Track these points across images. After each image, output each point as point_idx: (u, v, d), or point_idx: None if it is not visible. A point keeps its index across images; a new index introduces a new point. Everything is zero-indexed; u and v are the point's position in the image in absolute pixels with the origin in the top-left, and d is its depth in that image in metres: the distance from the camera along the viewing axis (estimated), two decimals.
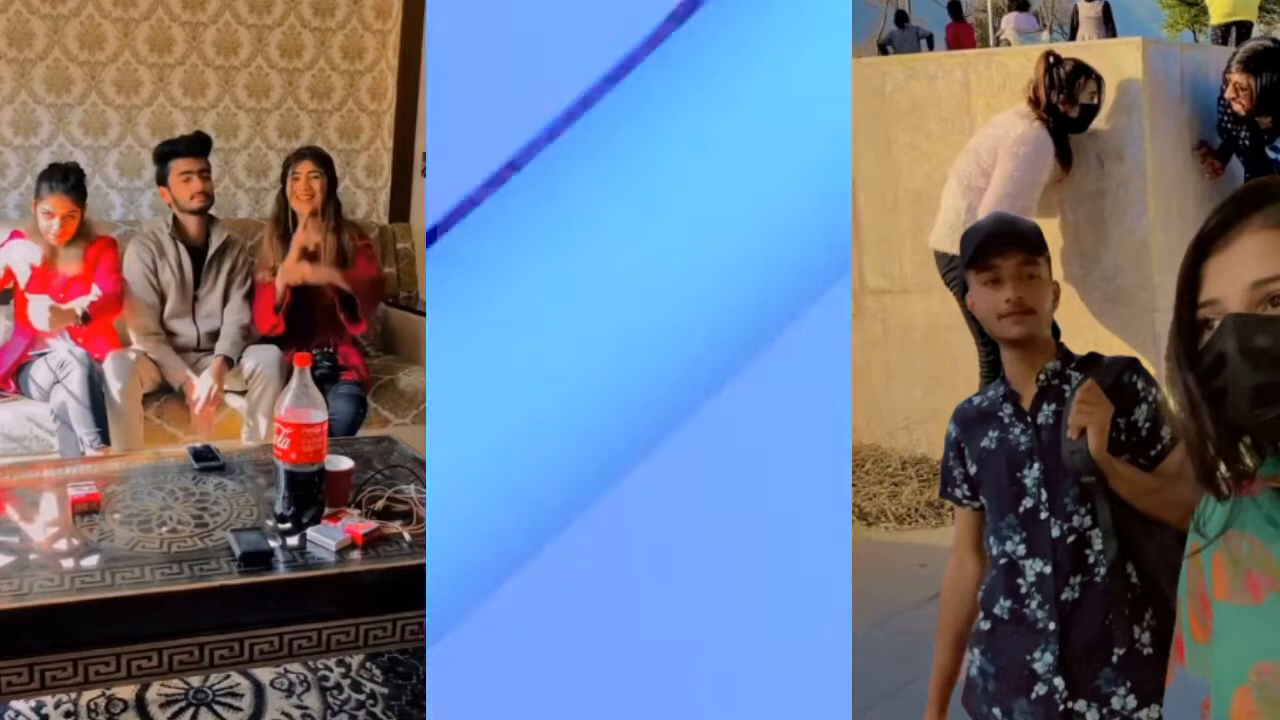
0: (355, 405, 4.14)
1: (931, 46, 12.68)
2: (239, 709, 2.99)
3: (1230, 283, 1.10)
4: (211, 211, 4.29)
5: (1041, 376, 1.80)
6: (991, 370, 3.87)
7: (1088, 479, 1.70)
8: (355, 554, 2.57)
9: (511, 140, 1.65)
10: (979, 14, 17.83)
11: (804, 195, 1.60)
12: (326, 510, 2.71)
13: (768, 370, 1.67)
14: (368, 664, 3.20)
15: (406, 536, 2.66)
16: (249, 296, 4.29)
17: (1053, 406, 1.78)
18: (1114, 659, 1.73)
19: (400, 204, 5.42)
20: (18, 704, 2.84)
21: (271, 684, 3.09)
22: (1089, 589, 1.75)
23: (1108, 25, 10.03)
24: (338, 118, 5.31)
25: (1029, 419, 1.80)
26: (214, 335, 4.24)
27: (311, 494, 2.66)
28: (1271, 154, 4.21)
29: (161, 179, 4.17)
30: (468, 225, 1.66)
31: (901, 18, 13.84)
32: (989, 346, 3.74)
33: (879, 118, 4.57)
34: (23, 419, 4.01)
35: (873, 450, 4.55)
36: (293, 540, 2.60)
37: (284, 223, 4.24)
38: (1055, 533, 1.76)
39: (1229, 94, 4.17)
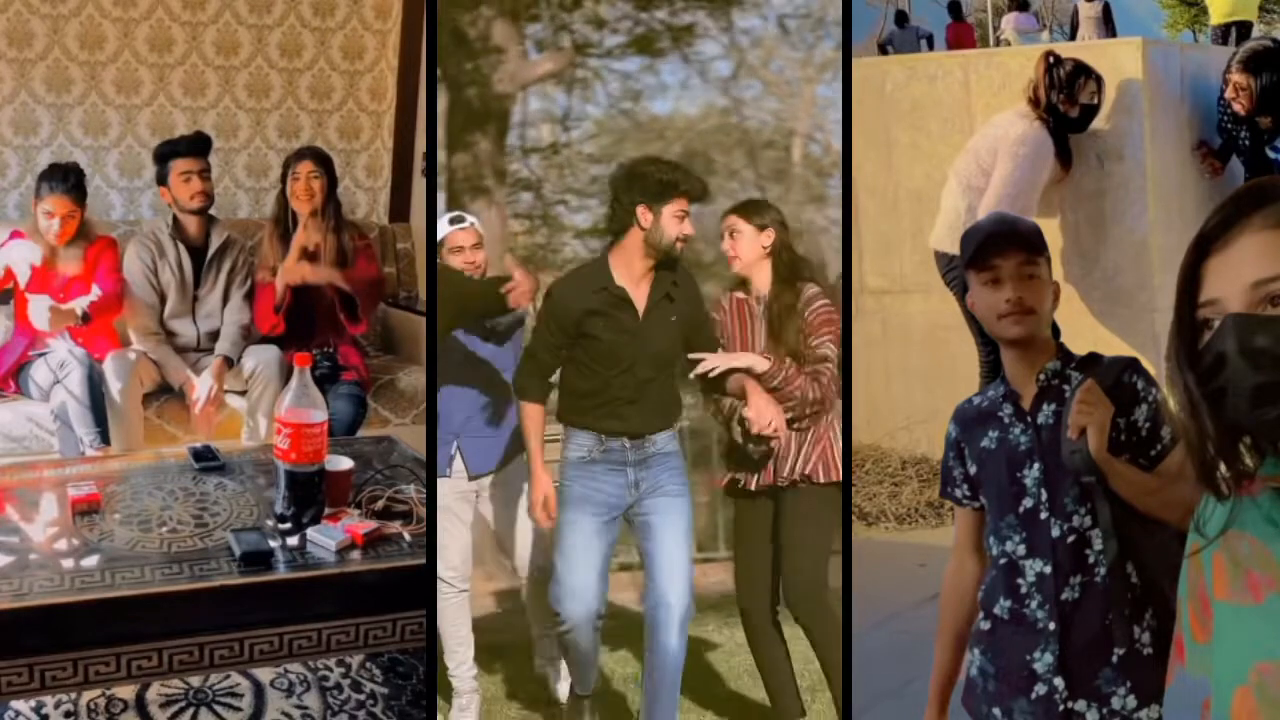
0: (355, 405, 4.14)
1: (931, 46, 12.66)
2: (239, 709, 2.99)
3: (1230, 283, 1.10)
4: (211, 211, 4.29)
5: (1041, 376, 1.80)
6: (991, 370, 3.87)
7: (1088, 479, 1.70)
8: (355, 554, 2.57)
9: None
10: (979, 14, 17.81)
11: None
12: (326, 510, 2.71)
13: None
14: (368, 664, 3.20)
15: (406, 536, 2.66)
16: (249, 296, 4.29)
17: (1053, 406, 1.78)
18: (1114, 659, 1.73)
19: (400, 204, 5.42)
20: (18, 704, 2.84)
21: (271, 684, 3.09)
22: (1089, 589, 1.75)
23: (1108, 25, 10.02)
24: (338, 118, 5.31)
25: (1029, 419, 1.80)
26: (214, 335, 4.24)
27: (311, 494, 2.66)
28: (1271, 154, 4.21)
29: (161, 179, 4.17)
30: None
31: (901, 18, 13.81)
32: (989, 346, 3.74)
33: (879, 118, 4.57)
34: (23, 419, 4.01)
35: (873, 450, 4.55)
36: (293, 540, 2.60)
37: (284, 223, 4.23)
38: (1055, 533, 1.76)
39: (1229, 94, 4.17)
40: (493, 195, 5.94)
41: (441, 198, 5.78)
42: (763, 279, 3.20)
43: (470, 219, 3.62)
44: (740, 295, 3.24)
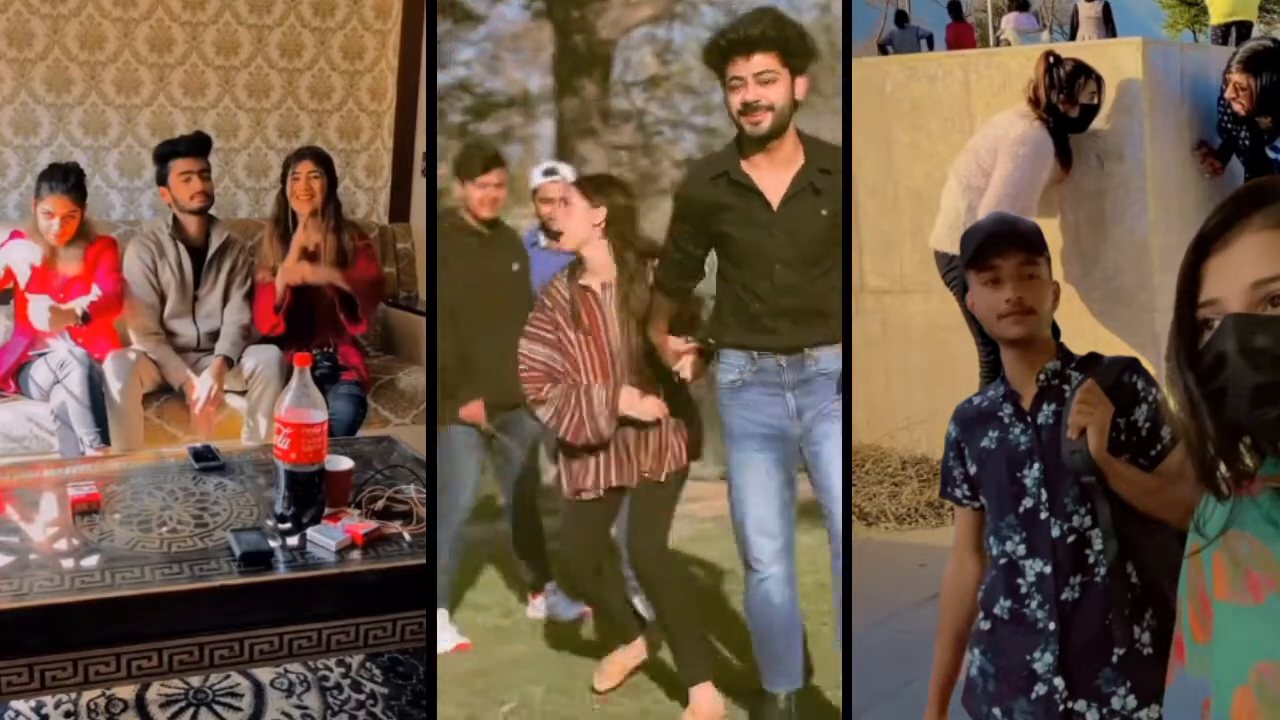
0: (355, 405, 4.14)
1: (931, 46, 12.66)
2: (239, 709, 2.99)
3: (1230, 283, 1.10)
4: (211, 211, 4.29)
5: (1041, 376, 1.80)
6: (991, 370, 3.87)
7: (1088, 479, 1.70)
8: (355, 554, 2.57)
9: None
10: (979, 14, 17.81)
11: None
12: (326, 510, 2.71)
13: None
14: (368, 664, 3.20)
15: (406, 536, 2.66)
16: (249, 296, 4.29)
17: (1053, 406, 1.78)
18: (1114, 659, 1.73)
19: (400, 204, 5.42)
20: (18, 704, 2.84)
21: (271, 684, 3.09)
22: (1089, 589, 1.75)
23: (1108, 25, 10.02)
24: (338, 118, 5.31)
25: (1029, 419, 1.80)
26: (214, 335, 4.24)
27: (311, 494, 2.66)
28: (1271, 154, 4.20)
29: (161, 179, 4.18)
30: None
31: (901, 18, 13.82)
32: (989, 346, 3.74)
33: (879, 118, 4.57)
34: (23, 419, 4.01)
35: (873, 450, 4.55)
36: (293, 540, 2.60)
37: (284, 223, 4.23)
38: (1055, 533, 1.76)
39: (1229, 94, 4.17)
40: (600, 136, 6.10)
41: (550, 141, 5.98)
42: (600, 260, 2.94)
43: (563, 171, 3.67)
44: (583, 284, 2.95)
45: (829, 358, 2.70)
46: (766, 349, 2.68)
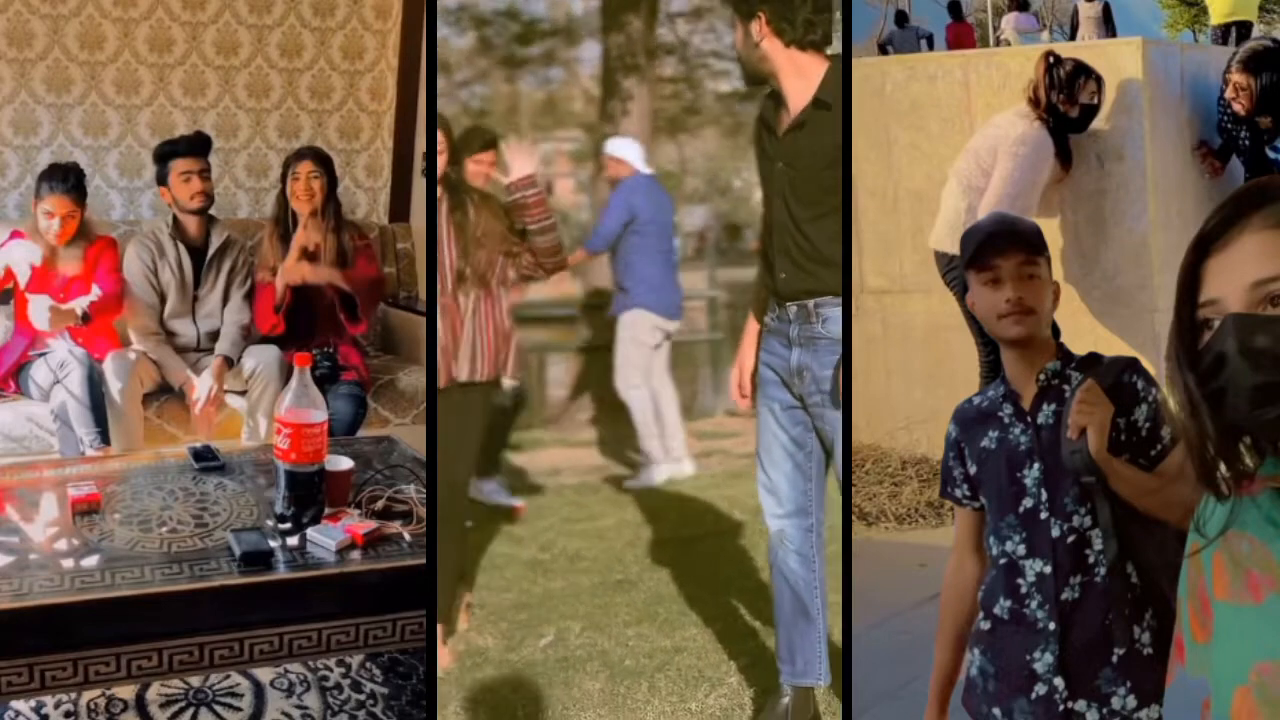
0: (355, 405, 4.14)
1: (931, 46, 12.65)
2: (239, 709, 2.99)
3: (1230, 283, 1.10)
4: (211, 211, 4.29)
5: (1041, 376, 1.80)
6: (991, 370, 3.87)
7: (1088, 479, 1.70)
8: (355, 554, 2.57)
9: None
10: (979, 14, 17.81)
11: None
12: (326, 510, 2.71)
13: None
14: (368, 664, 3.20)
15: (406, 536, 2.66)
16: (249, 296, 4.29)
17: (1053, 406, 1.78)
18: (1114, 659, 1.73)
19: (400, 204, 5.42)
20: (18, 704, 2.84)
21: (271, 684, 3.08)
22: (1089, 589, 1.75)
23: (1108, 25, 10.02)
24: (338, 118, 5.31)
25: (1029, 419, 1.80)
26: (214, 335, 4.24)
27: (311, 494, 2.66)
28: (1271, 154, 4.20)
29: (161, 179, 4.17)
30: None
31: (901, 18, 13.82)
32: (989, 346, 3.74)
33: (879, 118, 4.57)
34: (23, 419, 4.01)
35: (873, 450, 4.54)
36: (293, 540, 2.60)
37: (284, 223, 4.23)
38: (1055, 533, 1.76)
39: (1229, 94, 4.17)
40: (644, 73, 6.17)
41: (591, 65, 6.16)
42: None
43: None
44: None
45: (834, 319, 2.60)
46: (774, 293, 2.60)
